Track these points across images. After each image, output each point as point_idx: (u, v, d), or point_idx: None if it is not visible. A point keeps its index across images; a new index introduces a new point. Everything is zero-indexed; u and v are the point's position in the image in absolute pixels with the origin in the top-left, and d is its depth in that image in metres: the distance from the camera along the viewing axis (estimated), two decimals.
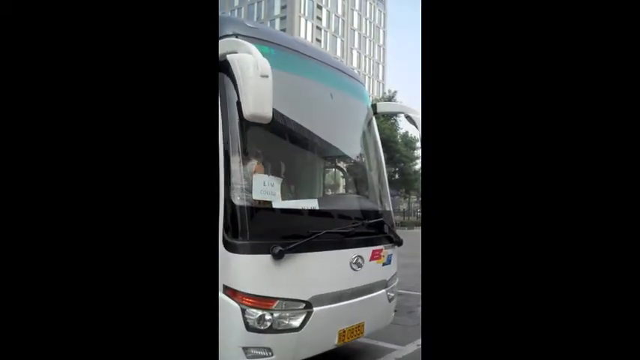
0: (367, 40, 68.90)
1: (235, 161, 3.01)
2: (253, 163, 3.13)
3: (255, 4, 57.56)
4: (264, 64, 2.74)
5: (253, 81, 2.70)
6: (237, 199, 2.97)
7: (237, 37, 3.08)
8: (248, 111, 2.76)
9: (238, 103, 2.91)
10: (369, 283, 3.63)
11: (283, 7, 55.82)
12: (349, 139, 4.21)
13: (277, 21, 54.55)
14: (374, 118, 4.42)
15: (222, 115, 3.04)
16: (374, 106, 4.47)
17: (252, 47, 2.84)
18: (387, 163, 6.24)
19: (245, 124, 3.04)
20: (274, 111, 2.84)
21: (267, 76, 2.70)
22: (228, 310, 2.91)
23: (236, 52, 2.86)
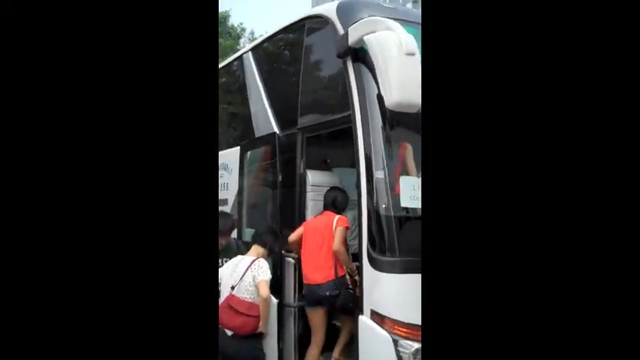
0: None
1: (379, 165, 2.60)
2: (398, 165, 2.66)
3: None
4: (409, 41, 2.27)
5: (397, 61, 2.25)
6: (383, 208, 2.55)
7: None
8: (391, 99, 2.31)
9: (379, 96, 2.50)
10: None
11: None
12: None
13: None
14: None
15: (360, 111, 2.67)
16: None
17: (394, 23, 2.40)
18: None
19: (389, 120, 2.59)
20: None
21: (413, 54, 2.21)
22: (376, 339, 2.52)
23: (374, 32, 2.43)
